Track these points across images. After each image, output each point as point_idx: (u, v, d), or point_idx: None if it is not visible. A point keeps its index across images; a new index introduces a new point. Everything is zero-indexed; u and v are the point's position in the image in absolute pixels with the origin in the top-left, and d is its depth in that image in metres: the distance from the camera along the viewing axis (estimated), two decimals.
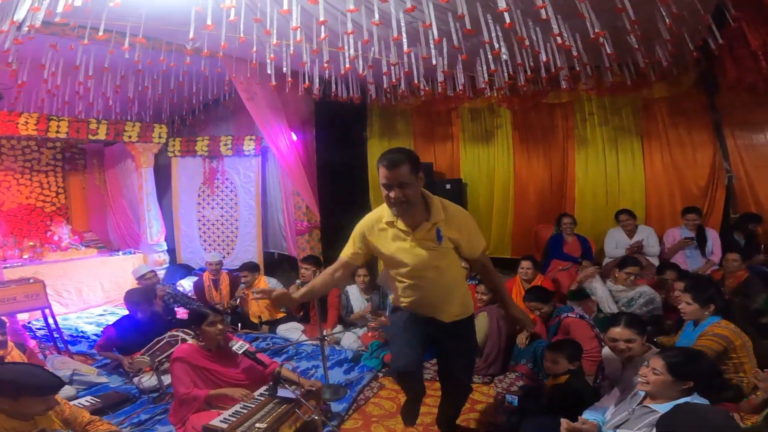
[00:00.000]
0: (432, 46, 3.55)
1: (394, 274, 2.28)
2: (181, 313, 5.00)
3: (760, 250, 4.47)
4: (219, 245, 6.68)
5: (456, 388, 2.49)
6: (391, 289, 2.44)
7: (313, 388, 2.66)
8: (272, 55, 3.99)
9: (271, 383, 2.54)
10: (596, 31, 2.93)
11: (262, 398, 2.55)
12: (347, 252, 2.31)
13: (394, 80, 4.40)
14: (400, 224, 2.13)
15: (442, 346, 2.38)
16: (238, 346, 2.68)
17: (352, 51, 3.72)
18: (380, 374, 3.57)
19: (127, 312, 4.02)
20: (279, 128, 5.71)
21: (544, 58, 3.60)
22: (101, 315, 5.39)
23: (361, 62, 4.01)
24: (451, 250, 2.21)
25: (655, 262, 4.82)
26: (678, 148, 5.43)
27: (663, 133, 5.49)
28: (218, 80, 5.57)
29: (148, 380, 3.27)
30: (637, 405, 2.06)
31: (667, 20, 2.95)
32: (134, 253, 6.29)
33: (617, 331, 2.42)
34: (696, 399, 1.92)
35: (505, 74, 4.10)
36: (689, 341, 2.76)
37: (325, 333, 3.44)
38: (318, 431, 2.31)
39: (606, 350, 2.79)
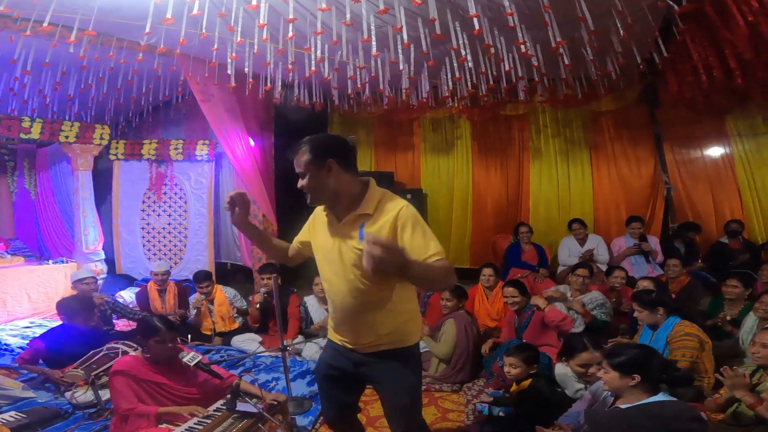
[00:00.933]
0: (400, 51, 3.55)
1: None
2: (121, 325, 4.61)
3: (699, 257, 4.80)
4: (165, 254, 6.26)
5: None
6: None
7: (277, 402, 2.48)
8: (234, 54, 3.83)
9: (228, 397, 2.34)
10: (557, 40, 3.05)
11: (220, 413, 2.33)
12: (297, 238, 2.06)
13: (359, 85, 4.36)
14: (330, 214, 1.82)
15: (372, 384, 1.92)
16: (190, 357, 2.44)
17: (318, 53, 3.65)
18: None
19: (57, 323, 3.66)
20: (236, 133, 5.49)
21: (506, 67, 3.70)
22: (27, 327, 4.90)
23: (327, 65, 3.94)
24: None
25: (605, 269, 5.04)
26: (623, 161, 5.80)
27: (609, 146, 5.85)
28: (172, 80, 5.28)
29: (82, 395, 2.95)
30: (609, 407, 2.07)
31: (622, 32, 3.13)
32: (66, 262, 5.78)
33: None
34: (663, 397, 1.90)
35: (468, 83, 4.18)
36: (654, 343, 2.81)
37: (286, 343, 3.27)
38: None
39: (560, 369, 2.83)
